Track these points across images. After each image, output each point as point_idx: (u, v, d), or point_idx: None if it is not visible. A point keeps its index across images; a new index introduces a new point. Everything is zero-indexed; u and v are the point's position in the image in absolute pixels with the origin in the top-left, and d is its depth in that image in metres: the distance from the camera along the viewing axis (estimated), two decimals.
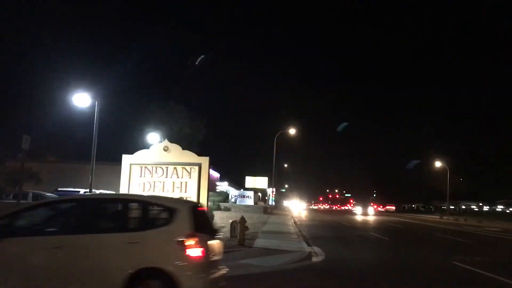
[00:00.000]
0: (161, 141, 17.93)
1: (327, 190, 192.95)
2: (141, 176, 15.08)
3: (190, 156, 15.23)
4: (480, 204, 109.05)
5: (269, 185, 55.29)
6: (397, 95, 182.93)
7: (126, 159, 15.21)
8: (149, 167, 15.09)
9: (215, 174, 56.49)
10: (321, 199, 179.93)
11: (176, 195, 14.87)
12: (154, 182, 15.02)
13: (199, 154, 15.56)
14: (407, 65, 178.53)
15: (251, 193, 46.13)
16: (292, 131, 47.30)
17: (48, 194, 20.21)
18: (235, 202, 43.03)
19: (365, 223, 34.93)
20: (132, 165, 15.11)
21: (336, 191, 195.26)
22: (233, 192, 47.54)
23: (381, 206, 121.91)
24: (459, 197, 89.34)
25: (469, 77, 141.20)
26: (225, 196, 41.66)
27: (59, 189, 26.59)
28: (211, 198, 35.68)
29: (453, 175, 66.73)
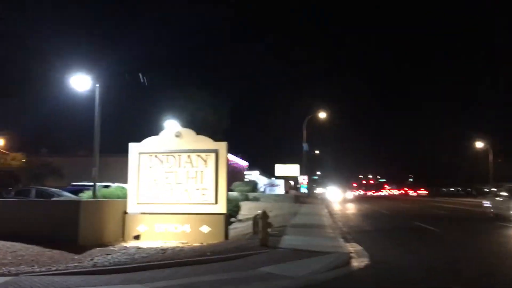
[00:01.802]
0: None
1: (361, 176, 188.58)
2: (151, 166, 13.30)
3: (205, 142, 13.32)
4: None
5: (301, 173, 53.07)
6: (434, 74, 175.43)
7: (133, 147, 13.46)
8: (160, 155, 13.29)
9: (243, 163, 54.74)
10: (355, 185, 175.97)
11: (190, 186, 13.04)
12: (166, 172, 13.23)
13: (216, 139, 13.60)
14: (443, 40, 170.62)
15: (281, 182, 44.16)
16: (322, 115, 44.86)
17: (53, 189, 18.81)
18: (264, 191, 41.14)
19: (406, 211, 32.18)
20: (141, 154, 13.34)
21: (370, 176, 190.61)
22: (262, 181, 45.70)
23: (413, 191, 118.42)
24: (502, 179, 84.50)
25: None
26: (253, 186, 39.78)
27: (73, 183, 25.48)
28: (239, 188, 33.88)
29: (494, 156, 62.71)
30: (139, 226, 12.95)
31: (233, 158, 46.40)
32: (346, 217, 22.19)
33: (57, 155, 39.44)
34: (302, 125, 44.10)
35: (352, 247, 10.62)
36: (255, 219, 11.67)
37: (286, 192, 44.38)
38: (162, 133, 13.53)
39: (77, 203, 11.41)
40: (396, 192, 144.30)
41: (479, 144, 67.33)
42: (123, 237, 12.84)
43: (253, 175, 56.78)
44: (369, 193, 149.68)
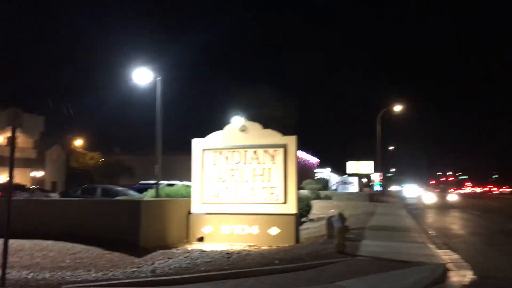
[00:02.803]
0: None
1: (439, 173, 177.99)
2: (215, 163, 12.45)
3: (272, 136, 12.23)
4: None
5: (375, 170, 50.47)
6: None
7: (197, 144, 12.69)
8: (224, 152, 12.41)
9: (313, 160, 53.11)
10: (432, 182, 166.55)
11: (257, 184, 12.02)
12: (231, 170, 12.32)
13: (284, 133, 12.45)
14: None
15: (354, 179, 42.02)
16: (397, 108, 42.08)
17: (119, 188, 18.62)
18: (336, 189, 39.32)
19: (498, 210, 28.84)
20: (204, 151, 12.55)
21: (449, 173, 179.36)
22: (334, 178, 43.85)
23: (497, 188, 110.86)
24: None
25: None
26: (324, 184, 38.16)
27: (141, 182, 25.58)
28: (309, 186, 32.53)
29: None
30: (204, 227, 12.16)
31: (303, 154, 45.00)
32: (430, 218, 20.04)
33: (129, 153, 40.40)
34: (376, 119, 41.72)
35: (447, 255, 8.91)
36: (329, 220, 10.37)
37: (360, 190, 42.19)
38: (226, 128, 12.63)
39: (138, 202, 10.80)
40: (479, 189, 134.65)
41: None
42: (187, 239, 12.13)
43: (324, 173, 54.95)
44: (449, 191, 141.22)
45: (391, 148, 79.70)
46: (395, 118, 47.93)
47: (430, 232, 13.40)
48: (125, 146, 44.88)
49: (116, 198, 14.65)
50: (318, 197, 29.92)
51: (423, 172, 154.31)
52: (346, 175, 47.07)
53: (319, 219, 18.47)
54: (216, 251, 10.46)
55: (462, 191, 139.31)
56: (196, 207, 12.38)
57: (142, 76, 13.58)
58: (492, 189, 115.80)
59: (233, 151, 12.35)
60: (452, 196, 53.01)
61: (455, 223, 17.80)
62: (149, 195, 15.79)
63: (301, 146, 13.21)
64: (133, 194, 17.78)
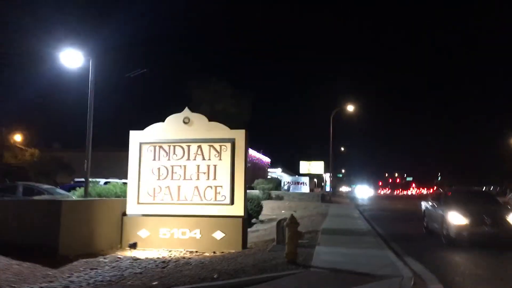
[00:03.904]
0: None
1: (386, 175, 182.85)
2: (154, 159, 11.05)
3: (219, 130, 10.99)
4: None
5: (326, 170, 50.35)
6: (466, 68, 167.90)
7: (134, 136, 11.26)
8: (165, 146, 11.05)
9: (265, 159, 52.30)
10: (380, 183, 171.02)
11: (201, 183, 10.75)
12: (173, 166, 10.97)
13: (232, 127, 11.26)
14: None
15: (306, 179, 41.41)
16: (350, 108, 41.87)
17: (46, 186, 16.66)
18: (288, 189, 38.57)
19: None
20: (143, 145, 11.12)
21: (396, 175, 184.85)
22: (286, 178, 43.12)
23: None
24: None
25: None
26: (276, 183, 37.29)
27: (76, 179, 23.64)
28: (261, 185, 31.56)
29: None
30: (141, 231, 10.73)
31: (255, 153, 44.00)
32: (383, 220, 19.48)
33: (70, 149, 37.69)
34: (327, 121, 41.20)
35: (409, 265, 7.97)
36: (279, 224, 9.26)
37: (312, 190, 41.64)
38: (168, 119, 11.23)
39: (59, 203, 9.22)
40: (425, 191, 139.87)
41: None
42: (121, 244, 10.66)
43: (276, 172, 54.27)
44: (395, 192, 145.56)
45: (342, 148, 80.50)
46: (348, 119, 48.01)
47: (385, 236, 12.60)
48: (66, 141, 42.03)
49: (36, 198, 12.85)
50: (269, 197, 29.05)
51: (372, 173, 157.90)
52: (297, 176, 46.55)
53: (269, 220, 17.51)
54: (151, 259, 9.13)
55: (408, 192, 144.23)
56: (131, 208, 10.94)
57: (71, 58, 11.87)
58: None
59: (175, 146, 11.01)
60: (397, 197, 53.79)
61: (409, 226, 17.28)
62: (77, 194, 14.09)
63: (253, 144, 12.04)
64: (62, 193, 15.91)
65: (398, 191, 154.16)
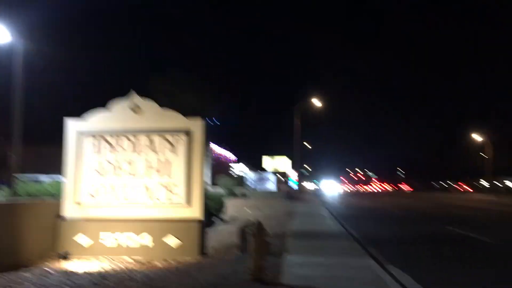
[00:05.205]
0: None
1: (347, 170, 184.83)
2: (96, 152, 9.38)
3: (173, 119, 9.46)
4: None
5: (292, 166, 49.37)
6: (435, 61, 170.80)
7: (72, 126, 9.54)
8: (109, 137, 9.39)
9: (229, 155, 50.82)
10: (343, 179, 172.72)
11: (152, 181, 9.20)
12: (118, 161, 9.33)
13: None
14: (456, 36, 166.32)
15: (271, 176, 40.26)
16: (313, 102, 40.90)
17: None
18: (253, 186, 37.23)
19: (417, 209, 28.22)
20: (82, 135, 9.42)
21: (358, 170, 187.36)
22: (250, 175, 41.73)
23: (397, 185, 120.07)
24: (498, 172, 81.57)
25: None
26: (240, 180, 35.92)
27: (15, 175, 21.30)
28: (224, 183, 30.09)
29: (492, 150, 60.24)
30: (79, 237, 9.07)
31: (217, 148, 42.44)
32: (353, 219, 18.45)
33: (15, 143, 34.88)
34: (292, 117, 39.95)
35: (395, 277, 6.75)
36: (243, 231, 7.84)
37: (278, 188, 40.44)
38: (112, 106, 9.58)
39: None
40: (388, 187, 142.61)
41: (475, 137, 64.85)
42: (55, 253, 8.96)
43: (239, 168, 52.83)
44: (357, 188, 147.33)
45: (306, 144, 79.98)
46: (311, 113, 47.12)
47: (359, 239, 11.42)
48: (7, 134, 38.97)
49: None
50: (233, 195, 27.69)
51: (335, 169, 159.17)
52: (260, 171, 45.37)
53: (233, 219, 16.26)
54: (88, 273, 7.51)
55: (369, 188, 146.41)
56: (68, 210, 9.26)
57: None
58: (397, 186, 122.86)
59: (121, 137, 9.39)
60: (362, 194, 53.73)
61: (380, 226, 16.29)
62: (3, 194, 12.17)
63: (216, 140, 10.55)
64: None
65: (361, 186, 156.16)
